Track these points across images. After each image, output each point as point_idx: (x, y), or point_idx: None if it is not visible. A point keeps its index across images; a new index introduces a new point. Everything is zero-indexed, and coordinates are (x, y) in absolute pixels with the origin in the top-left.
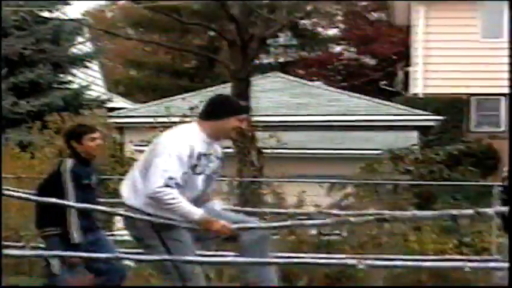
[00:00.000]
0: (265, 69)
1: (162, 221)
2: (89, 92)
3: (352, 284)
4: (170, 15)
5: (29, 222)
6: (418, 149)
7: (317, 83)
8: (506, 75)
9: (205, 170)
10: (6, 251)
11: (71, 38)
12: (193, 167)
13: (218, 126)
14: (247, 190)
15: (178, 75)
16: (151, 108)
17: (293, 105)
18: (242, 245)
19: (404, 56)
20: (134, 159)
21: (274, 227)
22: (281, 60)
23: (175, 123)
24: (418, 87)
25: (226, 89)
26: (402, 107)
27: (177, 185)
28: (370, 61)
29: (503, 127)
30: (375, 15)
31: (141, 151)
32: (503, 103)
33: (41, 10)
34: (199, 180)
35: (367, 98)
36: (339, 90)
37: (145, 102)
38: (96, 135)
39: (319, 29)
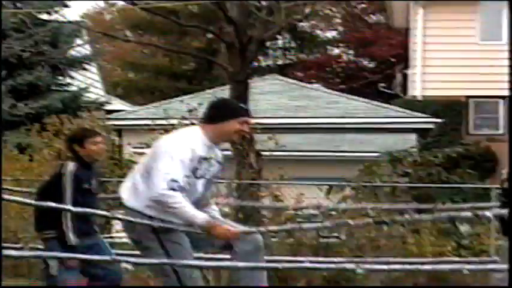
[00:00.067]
0: (263, 71)
1: (162, 224)
2: (87, 94)
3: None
4: (168, 17)
5: (28, 224)
6: (416, 152)
7: (316, 85)
8: (505, 77)
9: (206, 174)
10: (5, 252)
11: (69, 41)
12: (194, 171)
13: (220, 129)
14: (245, 192)
15: (177, 78)
16: (149, 111)
17: (292, 108)
18: (237, 255)
19: (403, 59)
20: (133, 162)
21: (275, 232)
22: (280, 62)
23: (173, 125)
24: (416, 90)
25: (224, 91)
26: (401, 109)
27: (180, 188)
28: (369, 64)
29: (502, 130)
30: (373, 18)
31: (140, 153)
32: (502, 106)
33: (39, 12)
34: (200, 184)
35: (366, 100)
36: (337, 92)
37: (143, 104)
38: (98, 139)
39: (318, 32)
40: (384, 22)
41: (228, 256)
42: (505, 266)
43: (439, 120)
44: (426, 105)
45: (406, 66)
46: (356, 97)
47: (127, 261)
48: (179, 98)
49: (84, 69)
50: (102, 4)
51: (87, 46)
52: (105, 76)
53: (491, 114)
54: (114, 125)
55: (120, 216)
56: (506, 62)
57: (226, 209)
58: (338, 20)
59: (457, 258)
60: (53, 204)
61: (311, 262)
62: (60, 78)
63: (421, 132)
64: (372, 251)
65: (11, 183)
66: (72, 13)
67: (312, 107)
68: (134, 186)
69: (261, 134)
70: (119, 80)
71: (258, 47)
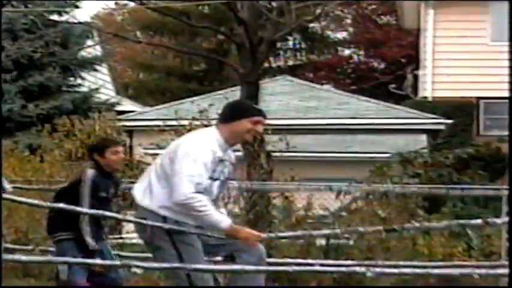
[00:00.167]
0: (274, 72)
1: (175, 227)
2: (98, 95)
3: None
4: (179, 18)
5: (38, 225)
6: (427, 153)
7: (326, 86)
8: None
9: (221, 175)
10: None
11: (80, 41)
12: (212, 172)
13: (232, 129)
14: (256, 193)
15: (188, 79)
16: (160, 112)
17: (302, 109)
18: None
19: (414, 60)
20: (144, 163)
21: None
22: (290, 63)
23: (184, 126)
24: (427, 91)
25: (235, 92)
26: (411, 110)
27: (204, 191)
28: (379, 64)
29: None
30: (384, 19)
31: (151, 154)
32: None
33: (50, 13)
34: (215, 185)
35: (376, 101)
36: (348, 93)
37: (154, 105)
38: (118, 148)
39: (329, 33)
40: (394, 23)
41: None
42: None
43: (449, 121)
44: (437, 106)
45: (417, 67)
46: (367, 98)
47: (137, 266)
48: (190, 99)
49: (95, 70)
50: (112, 5)
51: (98, 47)
52: (115, 77)
53: (501, 115)
54: (125, 126)
55: (130, 218)
56: (508, 63)
57: (237, 210)
58: (348, 21)
59: (467, 262)
60: (64, 206)
61: (321, 265)
62: (71, 79)
63: (432, 133)
64: (382, 253)
65: (22, 184)
66: (83, 14)
67: (323, 108)
68: (149, 186)
69: (272, 135)
70: (130, 81)
71: (269, 48)
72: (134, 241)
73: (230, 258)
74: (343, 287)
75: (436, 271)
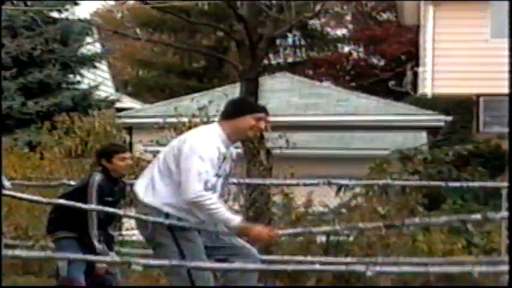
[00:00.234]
0: (274, 69)
1: (180, 223)
2: (97, 92)
3: (361, 284)
4: (179, 15)
5: (38, 222)
6: (427, 149)
7: (326, 83)
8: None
9: (223, 172)
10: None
11: (79, 38)
12: (218, 169)
13: (235, 126)
14: (256, 190)
15: (187, 76)
16: (160, 109)
17: (302, 106)
18: (234, 273)
19: (414, 57)
20: (143, 160)
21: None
22: (290, 60)
23: (184, 123)
24: (427, 88)
25: (234, 89)
26: (411, 107)
27: (212, 188)
28: (379, 61)
29: None
30: (383, 16)
31: (151, 151)
32: None
33: (50, 10)
34: (219, 182)
35: (376, 98)
36: (347, 90)
37: (154, 102)
38: (126, 155)
39: (328, 29)
40: (394, 20)
41: None
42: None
43: (449, 118)
44: (436, 103)
45: (417, 64)
46: (366, 95)
47: (137, 263)
48: (189, 96)
49: (95, 67)
50: (112, 2)
51: (98, 44)
52: (115, 74)
53: (501, 112)
54: (125, 123)
55: (131, 214)
56: (508, 60)
57: (236, 207)
58: (348, 18)
59: (467, 257)
60: (64, 202)
61: (321, 263)
62: (71, 76)
63: (432, 130)
64: (382, 249)
65: (22, 181)
66: (82, 11)
67: (322, 105)
68: (151, 183)
69: (271, 132)
70: (129, 78)
71: (268, 45)
72: (134, 238)
73: (223, 262)
74: (344, 286)
75: (436, 269)
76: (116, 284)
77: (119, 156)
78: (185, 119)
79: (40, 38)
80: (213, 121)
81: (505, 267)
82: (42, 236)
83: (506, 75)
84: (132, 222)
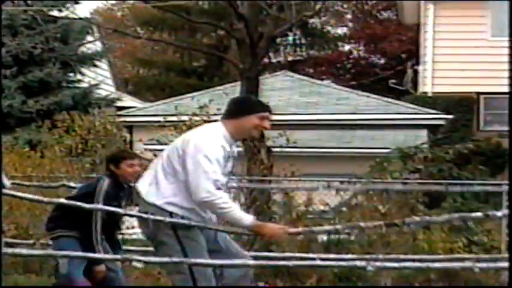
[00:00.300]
0: (274, 68)
1: (182, 221)
2: (98, 91)
3: (361, 283)
4: (179, 14)
5: (39, 221)
6: (427, 148)
7: (326, 81)
8: None
9: (227, 171)
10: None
11: (80, 37)
12: (224, 168)
13: (239, 125)
14: (256, 189)
15: (187, 74)
16: (160, 107)
17: (302, 104)
18: (225, 281)
19: (414, 55)
20: (144, 158)
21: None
22: (290, 59)
23: (184, 122)
24: (427, 86)
25: (235, 87)
26: (411, 105)
27: (222, 187)
28: (380, 60)
29: None
30: (384, 14)
31: (151, 150)
32: None
33: (50, 9)
34: (224, 181)
35: (377, 96)
36: (348, 88)
37: (154, 101)
38: (135, 161)
39: (329, 28)
40: (394, 18)
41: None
42: None
43: (449, 116)
44: (437, 101)
45: (417, 63)
46: (367, 93)
47: (138, 260)
48: (190, 95)
49: (95, 65)
50: (113, 1)
51: (98, 43)
52: (115, 73)
53: (502, 110)
54: (125, 121)
55: (132, 212)
56: (508, 58)
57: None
58: (349, 16)
59: (467, 255)
60: (64, 201)
61: (322, 259)
62: (71, 74)
63: (432, 129)
64: (383, 248)
65: (22, 180)
66: (83, 10)
67: (323, 103)
68: (155, 182)
69: (272, 130)
70: (130, 77)
71: (269, 44)
72: (134, 237)
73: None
74: (345, 286)
75: (437, 265)
76: (118, 282)
77: (127, 162)
78: (186, 118)
79: (40, 36)
80: (214, 120)
81: (505, 264)
82: (42, 235)
83: (507, 74)
84: (132, 221)
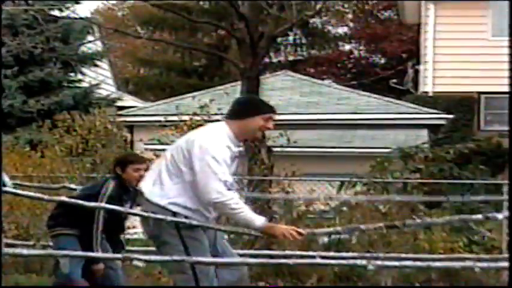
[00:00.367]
0: (275, 67)
1: (185, 220)
2: (98, 91)
3: (361, 282)
4: (180, 13)
5: (39, 220)
6: (428, 148)
7: (327, 81)
8: None
9: (232, 171)
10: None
11: (80, 37)
12: (230, 169)
13: (244, 126)
14: (257, 188)
15: (188, 74)
16: (161, 107)
17: (303, 104)
18: (222, 284)
19: (414, 55)
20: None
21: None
22: (291, 58)
23: (185, 122)
24: (428, 86)
25: (235, 87)
26: (412, 105)
27: (231, 187)
28: (380, 59)
29: None
30: (384, 14)
31: (152, 150)
32: None
33: (51, 9)
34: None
35: (377, 96)
36: (348, 88)
37: (155, 100)
38: (141, 166)
39: (329, 28)
40: (395, 18)
41: (240, 251)
42: None
43: (450, 116)
44: (437, 101)
45: (418, 62)
46: (367, 93)
47: (138, 259)
48: (190, 94)
49: (96, 65)
50: (113, 1)
51: (99, 42)
52: (116, 72)
53: (502, 110)
54: (126, 121)
55: (134, 211)
56: (508, 58)
57: None
58: (349, 16)
59: (468, 255)
60: (65, 199)
61: (322, 258)
62: (72, 74)
63: (433, 128)
64: (384, 247)
65: (22, 180)
66: (83, 9)
67: (323, 103)
68: (159, 181)
69: (273, 130)
70: (130, 77)
71: (269, 43)
72: (135, 236)
73: None
74: (345, 286)
75: (437, 264)
76: (117, 280)
77: (133, 166)
78: (186, 118)
79: (41, 36)
80: (215, 120)
81: (505, 264)
82: (43, 235)
83: (507, 74)
84: (133, 221)
